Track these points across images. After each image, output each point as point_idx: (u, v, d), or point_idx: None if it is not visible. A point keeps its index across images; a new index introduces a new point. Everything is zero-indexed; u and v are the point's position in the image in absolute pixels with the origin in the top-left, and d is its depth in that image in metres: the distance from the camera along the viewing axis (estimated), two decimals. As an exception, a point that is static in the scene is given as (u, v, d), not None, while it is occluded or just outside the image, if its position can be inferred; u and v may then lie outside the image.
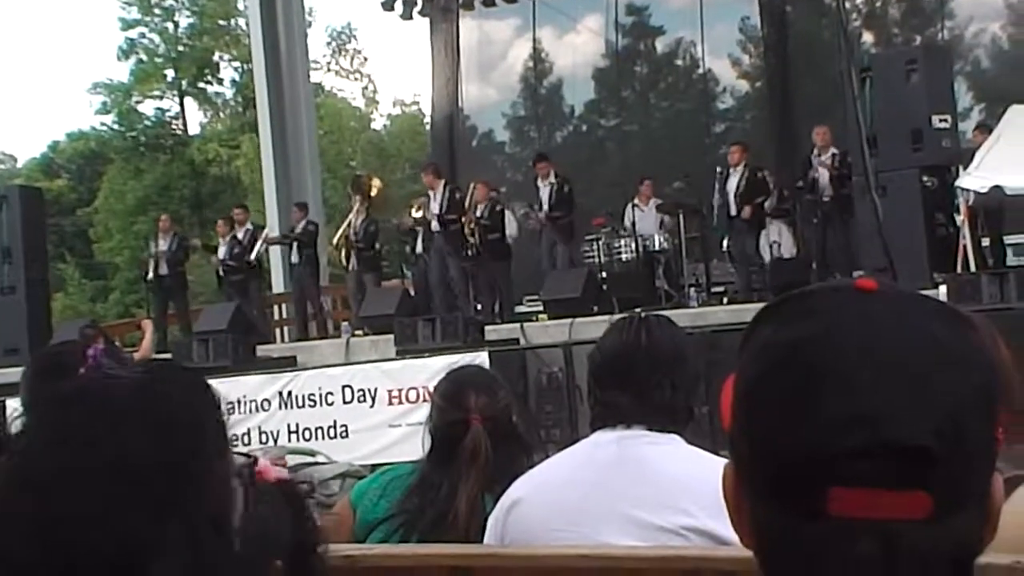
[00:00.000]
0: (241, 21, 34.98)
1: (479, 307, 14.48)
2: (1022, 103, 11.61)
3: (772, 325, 0.90)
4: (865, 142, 11.66)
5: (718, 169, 13.94)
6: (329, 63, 41.01)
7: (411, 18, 20.34)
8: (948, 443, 0.81)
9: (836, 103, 13.64)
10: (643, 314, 2.59)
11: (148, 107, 39.06)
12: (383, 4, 19.79)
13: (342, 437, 11.57)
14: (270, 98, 19.16)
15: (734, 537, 0.94)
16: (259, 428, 11.79)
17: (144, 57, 38.18)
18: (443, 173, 15.34)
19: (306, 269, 15.60)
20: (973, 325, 0.89)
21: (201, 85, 39.32)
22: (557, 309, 12.93)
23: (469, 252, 14.26)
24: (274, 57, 19.26)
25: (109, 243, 36.75)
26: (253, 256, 15.88)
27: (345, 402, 11.70)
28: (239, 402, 11.83)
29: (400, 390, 11.38)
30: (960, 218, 11.30)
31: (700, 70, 19.60)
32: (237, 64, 38.10)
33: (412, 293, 14.83)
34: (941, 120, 11.55)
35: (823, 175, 12.89)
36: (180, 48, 38.34)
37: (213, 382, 1.20)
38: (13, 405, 9.07)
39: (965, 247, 11.03)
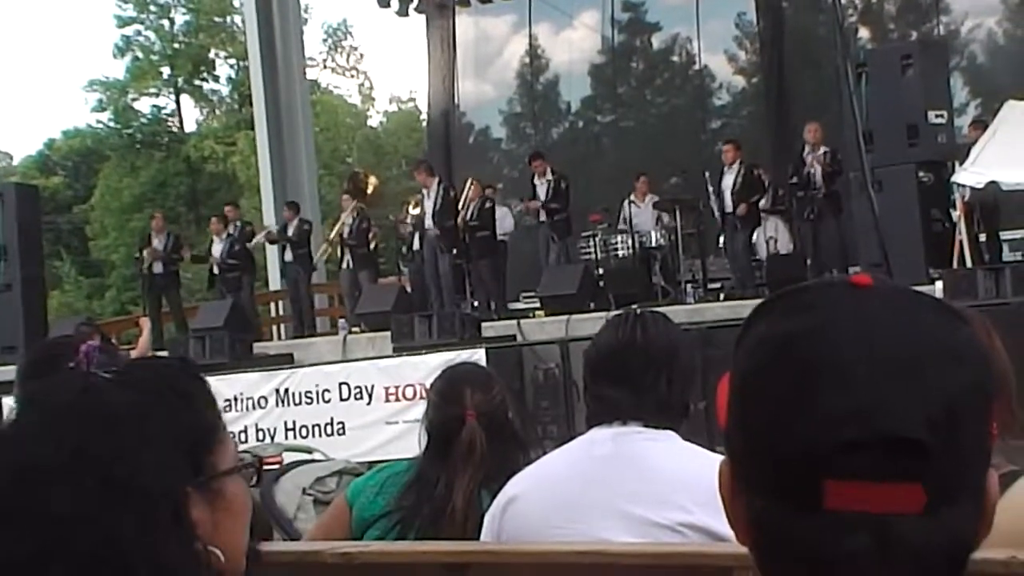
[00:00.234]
0: (237, 18, 34.98)
1: (475, 304, 14.48)
2: (1018, 98, 11.61)
3: (768, 321, 0.90)
4: (861, 137, 11.66)
5: (706, 173, 13.98)
6: (325, 60, 41.03)
7: (407, 15, 20.33)
8: (942, 436, 0.82)
9: (832, 98, 13.66)
10: (639, 310, 2.59)
11: (144, 104, 39.09)
12: (379, 1, 19.77)
13: (339, 434, 11.58)
14: (266, 95, 19.14)
15: (730, 533, 0.94)
16: (256, 425, 11.80)
17: (140, 54, 38.15)
18: (436, 170, 15.35)
19: (300, 267, 15.61)
20: (968, 320, 0.89)
21: (197, 82, 39.29)
22: (554, 305, 12.94)
23: (457, 249, 14.30)
24: (270, 54, 19.24)
25: (105, 240, 36.73)
26: (252, 244, 16.04)
27: (342, 399, 11.71)
28: (236, 399, 11.85)
29: (397, 387, 11.40)
30: (956, 213, 11.31)
31: (696, 66, 19.61)
32: (233, 61, 38.07)
33: (409, 290, 14.83)
34: (937, 115, 11.55)
35: (817, 170, 12.92)
36: (176, 45, 38.31)
37: (210, 379, 1.21)
38: (9, 403, 9.07)
39: (961, 242, 11.04)
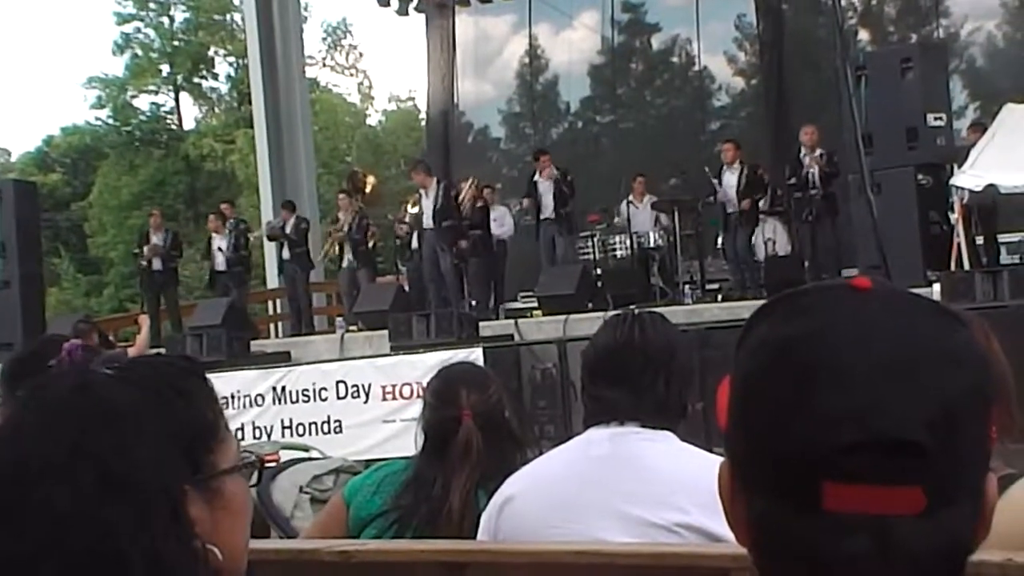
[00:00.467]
0: (237, 16, 34.97)
1: (474, 303, 14.49)
2: (1017, 101, 11.62)
3: (767, 323, 0.90)
4: (860, 140, 11.66)
5: (707, 169, 13.98)
6: (325, 59, 41.05)
7: (407, 14, 20.32)
8: (940, 438, 0.82)
9: (831, 101, 13.66)
10: (637, 311, 2.59)
11: (143, 102, 39.12)
12: (378, 0, 19.76)
13: (336, 432, 11.58)
14: (265, 93, 19.13)
15: (728, 534, 0.94)
16: (253, 423, 11.80)
17: (139, 52, 38.15)
18: (435, 170, 15.36)
19: (297, 265, 15.61)
20: (966, 323, 0.90)
21: (196, 80, 39.30)
22: (551, 305, 12.94)
23: (456, 249, 14.33)
24: (269, 52, 19.22)
25: (103, 238, 36.73)
26: (255, 236, 16.20)
27: (339, 398, 11.70)
28: (233, 397, 11.84)
29: (394, 386, 11.40)
30: (954, 216, 11.31)
31: (696, 67, 19.61)
32: (232, 59, 38.07)
33: (406, 289, 14.83)
34: (936, 118, 11.56)
35: (815, 171, 12.93)
36: (175, 43, 38.31)
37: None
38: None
39: (959, 245, 11.04)
